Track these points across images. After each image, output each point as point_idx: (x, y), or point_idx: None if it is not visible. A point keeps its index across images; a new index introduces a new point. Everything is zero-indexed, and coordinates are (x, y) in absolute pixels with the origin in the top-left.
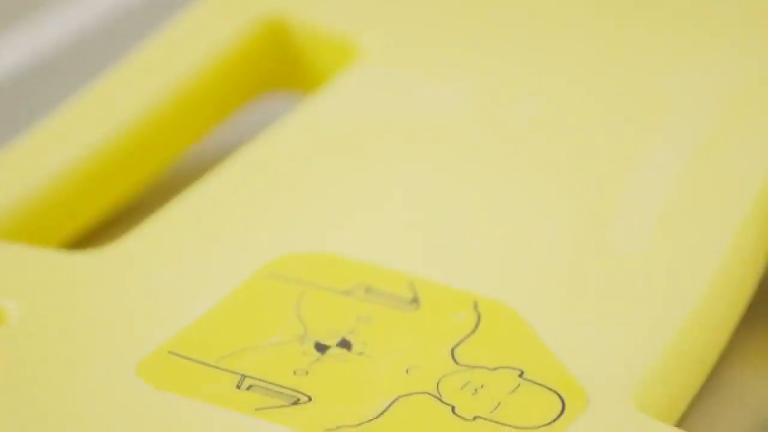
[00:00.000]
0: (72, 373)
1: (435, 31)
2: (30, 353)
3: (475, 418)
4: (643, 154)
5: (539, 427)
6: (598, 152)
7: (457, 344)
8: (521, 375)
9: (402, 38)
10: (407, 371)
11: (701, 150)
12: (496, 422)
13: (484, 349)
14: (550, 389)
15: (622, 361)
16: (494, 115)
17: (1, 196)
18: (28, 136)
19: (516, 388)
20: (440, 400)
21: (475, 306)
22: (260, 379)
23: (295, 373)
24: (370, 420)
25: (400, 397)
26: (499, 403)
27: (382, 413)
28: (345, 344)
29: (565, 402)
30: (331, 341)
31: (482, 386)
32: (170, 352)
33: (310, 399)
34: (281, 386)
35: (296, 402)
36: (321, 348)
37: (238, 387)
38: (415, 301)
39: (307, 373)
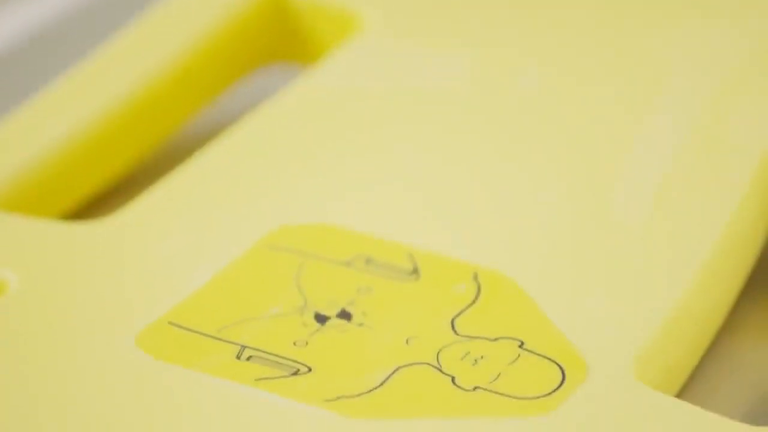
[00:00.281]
0: (71, 344)
1: (435, 3)
2: (29, 324)
3: (475, 388)
4: (643, 125)
5: (539, 397)
6: (599, 123)
7: (457, 315)
8: (521, 345)
9: (402, 9)
10: (407, 342)
11: (701, 120)
12: (496, 393)
13: (484, 320)
14: (550, 360)
15: (623, 332)
16: (495, 86)
17: (0, 167)
18: (27, 107)
19: (516, 358)
20: (440, 370)
21: (475, 277)
22: (260, 350)
23: (295, 343)
24: (370, 390)
25: (400, 367)
26: (499, 374)
27: (382, 384)
28: (345, 315)
29: (565, 372)
30: (331, 312)
31: (482, 357)
32: (170, 323)
33: (310, 370)
34: (281, 357)
35: (296, 372)
36: (321, 319)
37: (238, 357)
38: (415, 272)
39: (307, 343)
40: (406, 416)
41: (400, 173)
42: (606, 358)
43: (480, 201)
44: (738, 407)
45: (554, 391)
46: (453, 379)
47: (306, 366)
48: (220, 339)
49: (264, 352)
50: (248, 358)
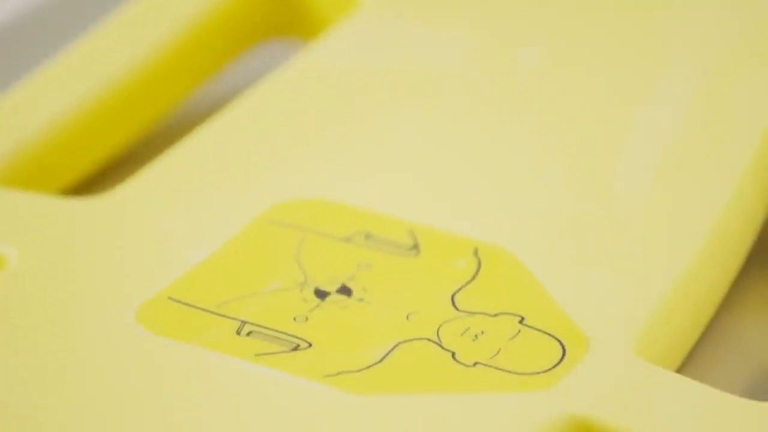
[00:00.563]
0: (71, 320)
1: None
2: (29, 299)
3: (475, 364)
4: (644, 100)
5: (540, 373)
6: (600, 98)
7: (458, 290)
8: (522, 321)
9: None
10: (407, 317)
11: (701, 99)
12: (496, 368)
13: (485, 296)
14: (550, 335)
15: (623, 307)
16: (496, 62)
17: (0, 142)
18: (27, 83)
19: (516, 334)
20: (440, 346)
21: (476, 252)
22: (260, 326)
23: (295, 319)
24: (370, 366)
25: (400, 343)
26: (500, 350)
27: (382, 359)
28: (345, 290)
29: (566, 348)
30: (331, 288)
31: (482, 332)
32: (170, 298)
33: (310, 345)
34: (281, 332)
35: (296, 348)
36: (321, 294)
37: (238, 333)
38: (415, 247)
39: (307, 319)
40: (406, 391)
41: (400, 149)
42: (606, 333)
43: (480, 177)
44: (738, 382)
45: (554, 366)
46: (453, 354)
47: (306, 341)
48: (220, 314)
49: (264, 327)
50: (248, 334)
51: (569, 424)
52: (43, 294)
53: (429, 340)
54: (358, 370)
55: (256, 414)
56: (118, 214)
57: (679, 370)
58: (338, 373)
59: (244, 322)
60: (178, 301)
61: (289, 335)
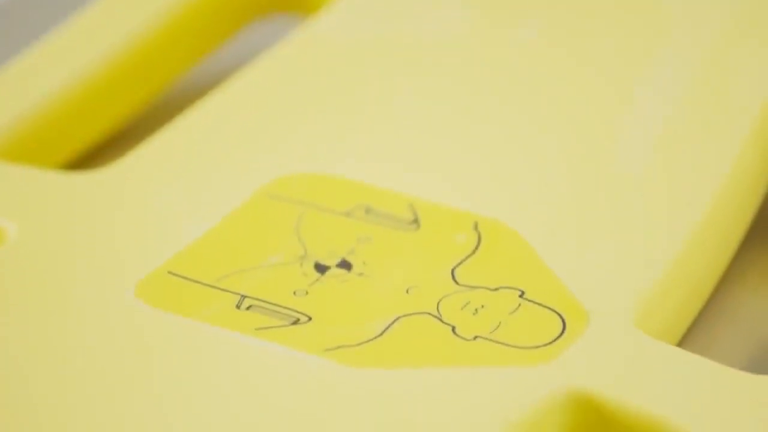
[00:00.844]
0: (70, 294)
1: None
2: (29, 273)
3: (475, 338)
4: (644, 75)
5: (540, 347)
6: (600, 73)
7: (458, 264)
8: (522, 295)
9: None
10: (407, 291)
11: (702, 71)
12: (497, 342)
13: (485, 270)
14: (550, 309)
15: (623, 281)
16: (496, 36)
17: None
18: (26, 57)
19: (516, 308)
20: (440, 320)
21: (476, 226)
22: (260, 299)
23: (294, 293)
24: (370, 340)
25: (400, 317)
26: (500, 323)
27: (382, 333)
28: (345, 265)
29: (566, 322)
30: (331, 262)
31: (482, 306)
32: (169, 272)
33: (310, 319)
34: (281, 306)
35: (296, 322)
36: (321, 268)
37: (238, 307)
38: (415, 221)
39: (306, 293)
40: (406, 365)
41: (400, 123)
42: (606, 307)
43: (480, 150)
44: (738, 356)
45: (555, 340)
46: (453, 328)
47: (306, 315)
48: (219, 288)
49: (264, 301)
50: (248, 308)
51: (570, 397)
52: (43, 268)
53: (429, 314)
54: (358, 344)
55: (255, 388)
56: (118, 189)
57: (679, 344)
58: (338, 347)
59: (243, 296)
60: (178, 276)
61: (289, 309)
